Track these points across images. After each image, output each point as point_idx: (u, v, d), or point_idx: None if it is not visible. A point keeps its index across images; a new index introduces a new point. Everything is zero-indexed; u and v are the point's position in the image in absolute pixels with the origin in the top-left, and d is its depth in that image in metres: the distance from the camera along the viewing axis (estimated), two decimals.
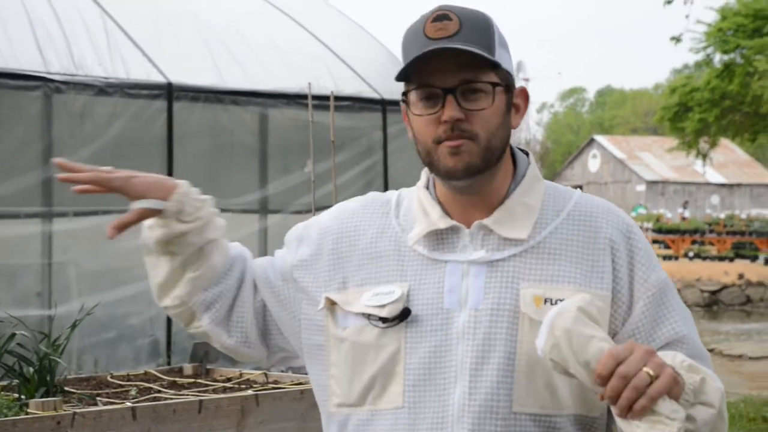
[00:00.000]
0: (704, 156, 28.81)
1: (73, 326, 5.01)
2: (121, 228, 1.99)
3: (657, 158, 60.18)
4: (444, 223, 1.97)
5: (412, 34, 1.95)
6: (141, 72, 7.48)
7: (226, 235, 2.18)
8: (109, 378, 5.29)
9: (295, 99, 8.02)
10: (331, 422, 2.04)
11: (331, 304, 2.01)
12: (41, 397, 4.54)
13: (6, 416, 4.14)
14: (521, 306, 1.91)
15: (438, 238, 1.98)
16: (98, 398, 4.72)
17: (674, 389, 1.74)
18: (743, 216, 42.68)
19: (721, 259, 32.29)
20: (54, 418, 4.09)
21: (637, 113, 77.00)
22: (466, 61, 1.90)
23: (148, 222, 2.04)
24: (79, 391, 4.85)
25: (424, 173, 2.06)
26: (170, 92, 7.50)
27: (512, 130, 2.01)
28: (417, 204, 2.03)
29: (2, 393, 4.60)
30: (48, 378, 4.68)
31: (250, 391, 4.85)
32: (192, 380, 5.34)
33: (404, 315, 1.93)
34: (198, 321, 2.11)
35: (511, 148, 2.04)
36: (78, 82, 7.14)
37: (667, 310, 1.97)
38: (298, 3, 9.37)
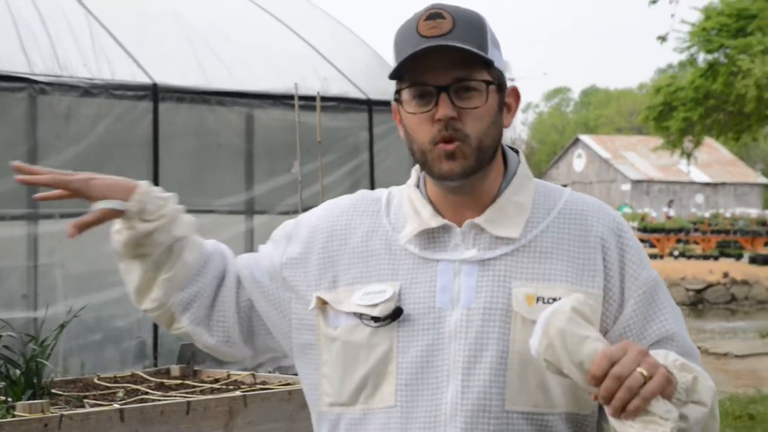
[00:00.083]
0: (689, 155, 28.91)
1: (61, 328, 4.99)
2: (82, 228, 1.97)
3: (642, 157, 60.38)
4: (435, 222, 1.97)
5: (404, 32, 1.94)
6: (126, 73, 7.47)
7: (212, 236, 2.17)
8: (95, 380, 5.27)
9: (281, 99, 8.01)
10: (322, 422, 2.03)
11: (322, 304, 2.00)
12: (28, 399, 4.52)
13: None
14: (513, 305, 1.91)
15: (429, 237, 1.97)
16: (85, 400, 4.70)
17: (667, 389, 1.74)
18: (728, 215, 42.83)
19: (706, 257, 32.40)
20: (41, 421, 4.07)
21: (621, 113, 77.21)
22: (460, 59, 1.90)
23: (116, 227, 2.03)
24: (66, 394, 4.83)
25: (415, 172, 2.06)
26: (155, 93, 7.48)
27: (503, 130, 2.01)
28: (408, 203, 2.02)
29: None
30: (35, 380, 4.66)
31: (238, 392, 4.83)
32: (179, 381, 5.32)
33: (396, 314, 1.93)
34: (178, 322, 2.09)
35: (502, 147, 2.04)
36: (63, 83, 7.12)
37: (657, 308, 1.98)
38: (283, 4, 9.37)
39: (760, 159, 70.95)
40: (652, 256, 31.74)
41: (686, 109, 26.35)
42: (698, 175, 60.57)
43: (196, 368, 5.61)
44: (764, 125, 26.32)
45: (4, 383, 4.68)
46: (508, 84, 2.02)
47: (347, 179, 8.33)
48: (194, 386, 5.19)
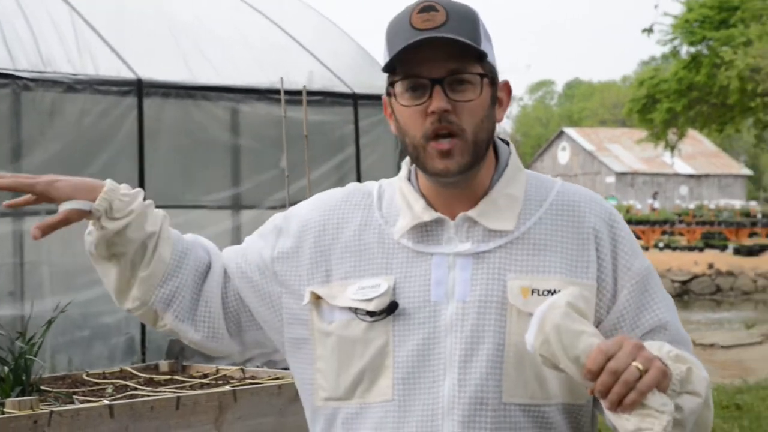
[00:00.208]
0: (672, 147, 29.01)
1: (48, 324, 4.98)
2: (46, 230, 1.96)
3: (626, 150, 60.55)
4: (428, 215, 1.96)
5: (397, 24, 1.93)
6: (110, 68, 7.44)
7: (199, 232, 2.15)
8: (84, 376, 5.26)
9: (266, 94, 7.99)
10: (317, 417, 2.02)
11: (316, 299, 1.99)
12: (17, 396, 4.50)
13: None
14: (509, 297, 1.91)
15: (423, 230, 1.97)
16: (74, 397, 4.69)
17: (663, 382, 1.75)
18: (712, 206, 42.99)
19: (691, 249, 32.51)
20: (31, 417, 4.06)
21: (605, 105, 77.36)
22: (454, 52, 1.89)
23: (87, 229, 2.02)
24: (55, 390, 4.82)
25: (405, 164, 2.04)
26: (140, 88, 7.45)
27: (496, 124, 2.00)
28: (400, 196, 2.01)
29: None
30: (23, 377, 4.65)
31: (227, 387, 4.82)
32: (168, 377, 5.31)
33: (392, 308, 1.93)
34: (162, 319, 2.08)
35: (492, 139, 2.04)
36: (46, 79, 7.09)
37: (650, 297, 1.98)
38: None
39: (743, 150, 71.20)
40: None
41: (670, 100, 26.45)
42: (682, 167, 60.78)
43: (184, 364, 5.60)
44: (747, 117, 26.46)
45: None
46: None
47: (334, 173, 8.32)
48: (183, 381, 5.18)
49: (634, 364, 1.72)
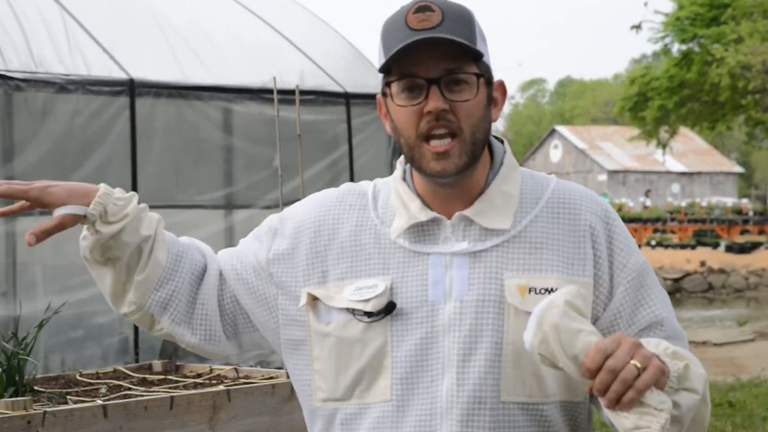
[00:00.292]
0: (664, 145, 29.04)
1: (41, 325, 4.97)
2: (41, 236, 1.96)
3: (618, 148, 60.63)
4: (425, 215, 1.96)
5: (392, 24, 1.93)
6: (102, 69, 7.43)
7: (192, 233, 2.15)
8: (77, 376, 5.25)
9: (259, 93, 7.99)
10: (316, 417, 2.02)
11: (313, 300, 1.99)
12: (10, 396, 4.50)
13: None
14: (506, 296, 1.91)
15: (419, 230, 1.97)
16: (68, 397, 4.68)
17: (661, 380, 1.76)
18: (704, 204, 43.08)
19: (683, 247, 32.60)
20: (24, 418, 4.05)
21: (597, 103, 77.44)
22: (450, 52, 1.90)
23: (82, 234, 2.01)
24: (48, 390, 4.81)
25: (400, 164, 2.04)
26: (132, 88, 7.45)
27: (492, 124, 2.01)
28: (395, 196, 2.01)
29: None
30: (17, 377, 4.64)
31: (221, 387, 4.82)
32: (162, 377, 5.30)
33: (389, 309, 1.93)
34: (158, 323, 2.08)
35: None
36: (38, 79, 7.08)
37: (646, 293, 1.99)
38: None
39: (734, 148, 71.35)
40: None
41: (661, 98, 26.48)
42: (674, 165, 60.88)
43: (178, 363, 5.59)
44: (738, 114, 26.48)
45: None
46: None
47: (327, 172, 8.32)
48: (177, 381, 5.17)
49: (633, 362, 1.72)
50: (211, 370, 5.38)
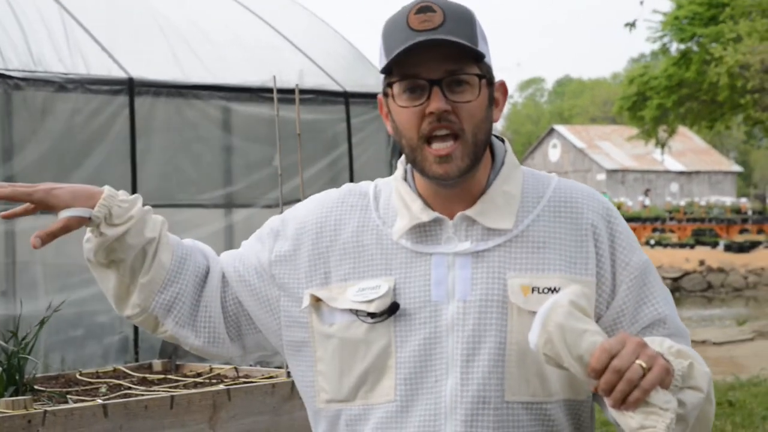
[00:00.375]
0: (663, 145, 29.04)
1: (41, 323, 4.97)
2: (46, 239, 1.96)
3: (616, 147, 60.66)
4: (427, 216, 1.96)
5: (394, 25, 1.93)
6: (101, 68, 7.43)
7: (192, 232, 2.14)
8: (77, 376, 5.25)
9: (258, 93, 7.98)
10: (320, 419, 2.02)
11: (316, 301, 1.99)
12: (10, 396, 4.49)
13: None
14: (509, 296, 1.91)
15: (421, 230, 1.97)
16: (68, 396, 4.68)
17: (666, 379, 1.76)
18: (702, 203, 43.09)
19: (682, 246, 32.61)
20: (25, 417, 4.05)
21: (595, 102, 77.47)
22: (452, 53, 1.89)
23: (86, 236, 2.01)
24: (48, 390, 4.81)
25: (401, 164, 2.04)
26: (131, 87, 7.44)
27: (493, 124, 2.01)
28: (397, 196, 2.01)
29: None
30: (17, 377, 4.63)
31: (221, 386, 4.82)
32: (162, 376, 5.30)
33: (393, 309, 1.93)
34: (162, 326, 2.08)
35: None
36: (38, 78, 7.07)
37: (649, 292, 1.99)
38: None
39: (733, 147, 71.38)
40: None
41: (660, 97, 26.48)
42: (672, 164, 60.90)
43: (178, 363, 5.59)
44: (737, 113, 26.49)
45: None
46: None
47: (327, 172, 8.32)
48: (177, 381, 5.17)
49: (638, 362, 1.73)
50: (211, 370, 5.38)
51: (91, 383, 5.10)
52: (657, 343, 1.83)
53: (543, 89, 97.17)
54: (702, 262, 28.20)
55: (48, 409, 4.17)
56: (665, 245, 32.71)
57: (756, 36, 22.61)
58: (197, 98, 7.83)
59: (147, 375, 5.34)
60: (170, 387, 5.00)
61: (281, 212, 2.20)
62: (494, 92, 1.99)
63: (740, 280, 27.86)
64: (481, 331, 1.91)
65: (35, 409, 4.18)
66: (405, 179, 2.02)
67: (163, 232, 2.05)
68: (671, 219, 37.23)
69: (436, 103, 1.89)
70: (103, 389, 4.93)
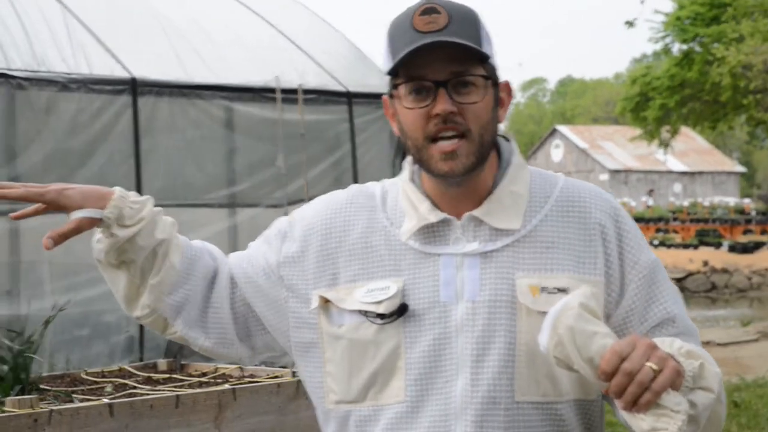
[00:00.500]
0: (666, 145, 29.04)
1: (46, 323, 4.97)
2: (58, 239, 1.95)
3: (619, 147, 60.65)
4: (435, 216, 1.96)
5: (399, 26, 1.92)
6: (104, 67, 7.43)
7: (196, 232, 2.13)
8: (83, 375, 5.25)
9: (261, 93, 7.98)
10: (329, 419, 2.02)
11: (325, 302, 1.98)
12: (17, 395, 4.49)
13: None
14: (518, 296, 1.91)
15: (429, 231, 1.97)
16: (74, 395, 4.68)
17: (677, 381, 1.76)
18: (706, 203, 43.07)
19: (686, 246, 32.59)
20: (31, 416, 4.05)
21: (598, 103, 77.46)
22: (457, 54, 1.89)
23: (96, 236, 2.01)
24: (54, 389, 4.81)
25: (408, 165, 2.04)
26: (134, 87, 7.44)
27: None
28: (404, 197, 2.01)
29: None
30: (23, 376, 4.64)
31: (226, 386, 4.82)
32: (167, 376, 5.31)
33: (402, 310, 1.92)
34: (171, 327, 2.07)
35: None
36: (41, 78, 7.07)
37: (658, 290, 1.99)
38: None
39: (736, 147, 71.37)
40: None
41: (662, 97, 26.48)
42: (675, 165, 60.89)
43: (183, 362, 5.59)
44: (740, 114, 26.48)
45: None
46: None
47: (330, 171, 8.31)
48: (182, 380, 5.17)
49: (648, 364, 1.72)
50: (216, 369, 5.38)
51: (96, 383, 5.10)
52: (667, 344, 1.83)
53: (545, 89, 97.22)
54: (706, 263, 28.19)
55: (54, 408, 4.18)
56: (669, 246, 32.68)
57: (758, 36, 22.59)
58: (200, 98, 7.83)
59: (152, 374, 5.34)
60: (175, 386, 5.00)
61: (285, 212, 2.19)
62: (499, 93, 1.99)
63: (744, 280, 27.84)
64: (491, 332, 1.90)
65: (41, 408, 4.19)
66: (412, 180, 2.02)
67: (173, 233, 2.05)
68: (674, 219, 37.21)
69: (442, 104, 1.89)
70: (109, 389, 4.93)
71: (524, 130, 79.00)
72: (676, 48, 27.51)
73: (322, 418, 2.04)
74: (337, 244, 2.01)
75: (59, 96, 7.17)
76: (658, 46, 28.46)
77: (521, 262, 1.93)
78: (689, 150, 61.77)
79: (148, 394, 4.69)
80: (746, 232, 35.91)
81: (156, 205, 2.08)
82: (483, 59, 1.91)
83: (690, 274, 27.71)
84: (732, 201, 46.40)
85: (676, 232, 35.67)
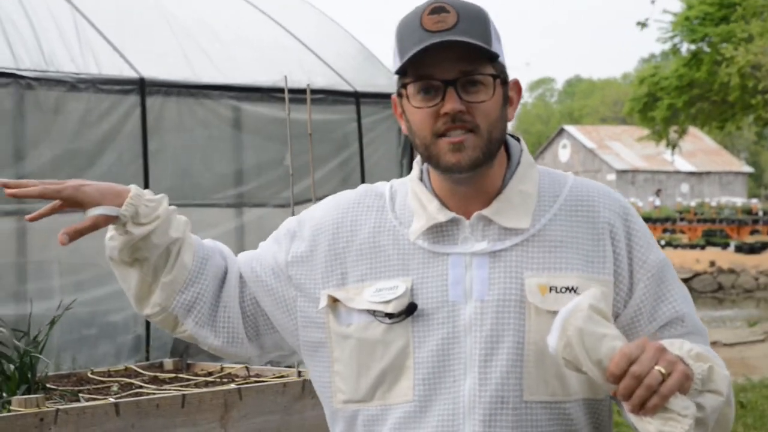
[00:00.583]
0: (674, 146, 28.98)
1: (52, 323, 4.99)
2: (74, 236, 1.95)
3: (626, 147, 60.58)
4: (444, 216, 1.96)
5: (407, 26, 1.93)
6: (113, 67, 7.44)
7: (203, 232, 2.14)
8: (89, 374, 5.27)
9: (269, 93, 7.99)
10: (337, 419, 2.02)
11: (333, 302, 1.99)
12: (23, 394, 4.51)
13: None
14: (527, 296, 1.91)
15: (438, 231, 1.97)
16: (80, 394, 4.69)
17: (685, 385, 1.76)
18: (713, 204, 42.98)
19: (693, 247, 32.53)
20: (37, 415, 4.06)
21: (605, 103, 77.36)
22: (465, 53, 1.89)
23: (109, 234, 2.01)
24: (60, 388, 4.82)
25: (416, 164, 2.04)
26: (143, 87, 7.46)
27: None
28: (413, 197, 2.01)
29: None
30: (29, 375, 4.65)
31: (232, 385, 4.83)
32: (173, 375, 5.31)
33: (410, 310, 1.93)
34: (182, 325, 2.08)
35: None
36: (49, 78, 7.08)
37: (667, 290, 1.99)
38: None
39: (744, 147, 71.21)
40: None
41: (670, 97, 26.42)
42: (683, 165, 60.79)
43: (189, 362, 5.61)
44: (748, 114, 26.41)
45: None
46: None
47: (338, 172, 8.31)
48: (188, 379, 5.18)
49: (657, 367, 1.72)
50: (222, 369, 5.39)
51: (102, 382, 5.12)
52: (677, 346, 1.83)
53: (553, 89, 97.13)
54: (713, 263, 28.14)
55: (60, 407, 4.19)
56: (676, 246, 32.63)
57: (767, 36, 22.53)
58: (208, 98, 7.84)
59: (158, 374, 5.35)
60: (181, 386, 5.01)
61: (293, 212, 2.21)
62: (508, 91, 1.99)
63: (751, 281, 27.78)
64: (499, 331, 1.90)
65: (47, 407, 4.20)
66: (421, 180, 2.02)
67: (186, 232, 2.06)
68: (682, 220, 37.14)
69: (451, 103, 1.89)
70: (115, 388, 4.95)
71: (532, 130, 78.89)
72: (685, 48, 27.45)
73: (331, 417, 2.04)
74: (346, 243, 2.01)
75: (68, 96, 7.18)
76: (667, 46, 28.41)
77: (530, 262, 1.93)
78: (697, 150, 61.66)
79: (154, 394, 4.70)
80: (753, 232, 35.83)
81: None
82: (492, 58, 1.92)
83: (697, 274, 27.66)
84: (739, 201, 46.31)
85: (683, 232, 35.60)
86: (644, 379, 1.72)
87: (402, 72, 1.93)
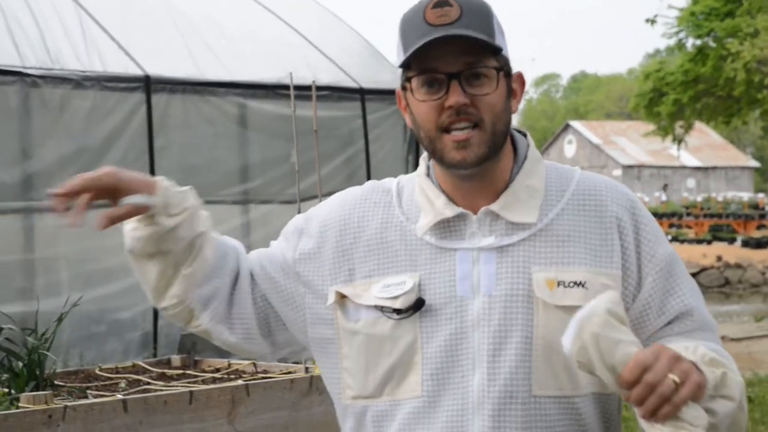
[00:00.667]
0: (680, 141, 28.94)
1: (60, 320, 4.99)
2: (113, 221, 1.93)
3: (632, 143, 60.50)
4: (451, 211, 1.96)
5: (411, 20, 1.93)
6: (118, 65, 7.45)
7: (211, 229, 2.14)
8: (97, 371, 5.28)
9: (274, 90, 7.99)
10: (347, 414, 2.03)
11: (341, 298, 1.99)
12: (31, 391, 4.52)
13: None
14: (535, 290, 1.91)
15: (445, 226, 1.97)
16: (88, 391, 4.70)
17: (698, 394, 1.76)
18: (720, 199, 42.90)
19: (699, 242, 32.45)
20: (45, 412, 4.07)
21: (611, 98, 77.27)
22: (469, 46, 1.90)
23: (130, 225, 1.98)
24: (68, 385, 4.83)
25: (423, 160, 2.05)
26: (148, 84, 7.47)
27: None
28: (420, 192, 2.01)
29: None
30: (37, 372, 4.66)
31: (240, 381, 4.83)
32: (180, 372, 5.32)
33: (418, 305, 1.93)
34: (197, 319, 2.07)
35: (510, 131, 2.04)
36: (55, 75, 7.10)
37: (675, 283, 1.99)
38: None
39: (750, 142, 71.10)
40: None
41: (676, 92, 26.38)
42: (689, 160, 60.71)
43: (196, 358, 5.61)
44: (754, 109, 26.36)
45: (7, 375, 4.69)
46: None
47: (344, 168, 8.32)
48: (196, 376, 5.19)
49: (671, 376, 1.72)
50: (230, 365, 5.40)
51: (110, 379, 5.13)
52: (691, 350, 1.83)
53: (558, 85, 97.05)
54: (719, 258, 28.08)
55: (68, 404, 4.20)
56: (682, 241, 32.55)
57: None
58: (213, 95, 7.85)
59: (166, 370, 5.36)
60: (189, 382, 5.02)
61: (299, 209, 2.21)
62: (512, 84, 1.99)
63: (758, 275, 27.72)
64: (507, 326, 1.91)
65: (55, 404, 4.21)
66: (428, 175, 2.02)
67: (209, 226, 2.05)
68: (688, 215, 37.07)
69: (455, 96, 1.90)
70: (123, 384, 4.96)
71: (537, 125, 78.81)
72: (690, 43, 27.40)
73: (340, 413, 2.05)
74: (353, 240, 2.01)
75: (73, 94, 7.19)
76: (672, 42, 28.35)
77: (538, 256, 1.93)
78: (703, 145, 61.57)
79: (161, 390, 4.71)
80: (760, 227, 35.74)
81: None
82: (495, 51, 1.92)
83: (703, 269, 27.61)
84: (746, 196, 46.20)
85: (689, 227, 35.53)
86: (657, 388, 1.71)
87: (406, 65, 1.94)
